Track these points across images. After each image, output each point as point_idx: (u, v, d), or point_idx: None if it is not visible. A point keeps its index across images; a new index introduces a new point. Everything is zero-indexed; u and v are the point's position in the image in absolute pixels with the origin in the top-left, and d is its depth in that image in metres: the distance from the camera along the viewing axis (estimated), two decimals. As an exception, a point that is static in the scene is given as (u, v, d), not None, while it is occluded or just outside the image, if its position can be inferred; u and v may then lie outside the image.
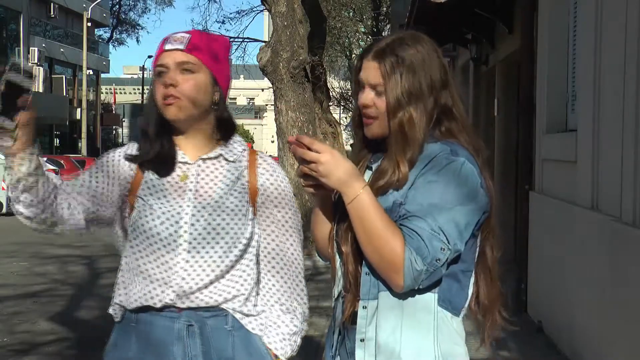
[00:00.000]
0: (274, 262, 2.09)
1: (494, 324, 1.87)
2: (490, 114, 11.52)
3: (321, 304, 7.31)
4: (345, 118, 46.42)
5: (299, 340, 2.10)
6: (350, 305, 1.82)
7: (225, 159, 2.07)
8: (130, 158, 2.06)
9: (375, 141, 1.87)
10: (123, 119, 55.33)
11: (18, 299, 7.80)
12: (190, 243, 1.97)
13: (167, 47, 2.00)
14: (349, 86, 39.42)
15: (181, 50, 1.99)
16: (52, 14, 36.97)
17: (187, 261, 1.97)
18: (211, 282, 1.98)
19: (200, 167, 2.05)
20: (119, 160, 2.08)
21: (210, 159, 2.06)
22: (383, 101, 1.80)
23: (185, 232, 1.98)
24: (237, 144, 2.11)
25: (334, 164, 1.74)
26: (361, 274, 1.80)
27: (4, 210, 18.88)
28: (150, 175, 2.04)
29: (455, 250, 1.72)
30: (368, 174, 1.88)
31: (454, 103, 1.84)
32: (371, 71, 1.82)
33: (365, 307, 1.79)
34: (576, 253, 5.20)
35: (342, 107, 42.56)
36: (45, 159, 24.99)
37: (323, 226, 1.94)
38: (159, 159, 2.03)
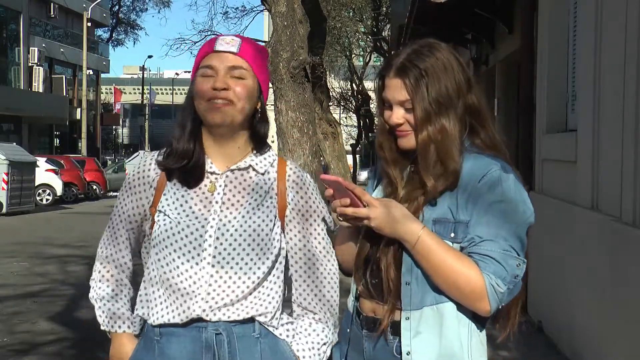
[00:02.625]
0: (310, 272, 2.03)
1: (513, 325, 1.90)
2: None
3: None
4: (346, 118, 46.42)
5: (328, 352, 2.02)
6: (388, 315, 1.83)
7: (255, 170, 2.00)
8: (161, 164, 1.99)
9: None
10: (124, 119, 55.33)
11: (18, 299, 7.81)
12: (214, 257, 1.90)
13: (218, 47, 1.94)
14: (349, 86, 39.44)
15: (233, 53, 1.93)
16: (52, 14, 36.98)
17: (211, 276, 1.90)
18: (238, 300, 1.91)
19: (228, 177, 1.98)
20: (144, 173, 2.02)
21: (239, 169, 1.99)
22: (414, 115, 1.82)
23: (209, 245, 1.91)
24: (267, 154, 2.04)
25: (387, 216, 1.76)
26: (402, 285, 1.81)
27: (4, 210, 18.88)
28: (176, 185, 1.98)
29: (524, 262, 1.77)
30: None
31: (479, 102, 1.86)
32: (396, 89, 1.83)
33: (408, 319, 1.80)
34: (576, 253, 5.20)
35: (342, 107, 42.57)
36: (45, 159, 24.79)
37: (350, 244, 1.97)
38: (187, 169, 1.96)
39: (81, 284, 8.88)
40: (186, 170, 1.96)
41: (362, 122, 40.78)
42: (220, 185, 1.96)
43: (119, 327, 2.04)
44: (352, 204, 1.80)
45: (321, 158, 15.03)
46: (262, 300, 1.95)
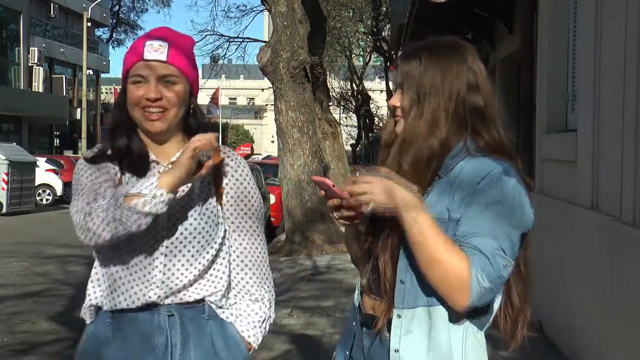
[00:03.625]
0: (242, 257, 2.13)
1: (521, 334, 1.90)
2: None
3: (321, 303, 7.32)
4: (346, 118, 46.42)
5: (268, 326, 2.18)
6: (385, 313, 1.83)
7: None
8: (92, 157, 2.04)
9: None
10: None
11: (18, 299, 7.81)
12: (167, 247, 2.00)
13: (147, 56, 1.99)
14: (349, 86, 39.46)
15: (163, 61, 1.98)
16: (52, 14, 36.98)
17: (164, 265, 2.00)
18: (190, 284, 2.02)
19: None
20: (105, 170, 2.06)
21: None
22: (404, 100, 1.85)
23: (162, 236, 2.00)
24: None
25: (388, 189, 1.74)
26: (396, 283, 1.80)
27: (4, 210, 18.88)
28: (129, 178, 2.05)
29: (512, 266, 1.75)
30: None
31: (485, 104, 1.84)
32: (397, 71, 1.87)
33: (400, 317, 1.80)
34: (576, 253, 5.20)
35: (342, 107, 42.58)
36: (45, 159, 24.75)
37: (356, 242, 1.98)
38: (134, 157, 2.03)
39: (81, 284, 8.85)
40: (133, 160, 2.03)
41: (362, 122, 40.78)
42: None
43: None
44: (343, 203, 1.82)
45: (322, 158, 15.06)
46: (211, 282, 2.06)
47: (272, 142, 56.43)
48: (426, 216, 1.73)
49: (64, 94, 37.41)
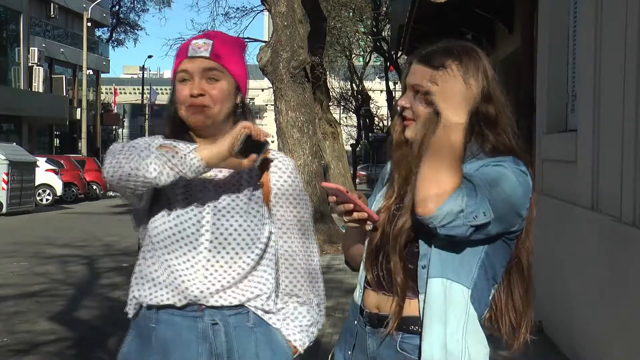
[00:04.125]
0: (291, 260, 2.12)
1: (524, 337, 1.90)
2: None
3: (321, 303, 7.32)
4: (346, 118, 46.41)
5: (316, 331, 2.15)
6: (396, 315, 1.83)
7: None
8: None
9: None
10: (123, 119, 55.35)
11: (18, 299, 7.80)
12: (211, 242, 1.99)
13: (191, 53, 2.01)
14: (349, 86, 39.45)
15: (206, 57, 2.00)
16: (52, 14, 36.96)
17: (208, 260, 1.99)
18: (235, 283, 2.00)
19: (218, 167, 2.02)
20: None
21: None
22: (418, 104, 1.85)
23: (207, 231, 1.99)
24: None
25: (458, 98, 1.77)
26: (418, 269, 1.81)
27: (4, 210, 18.88)
28: None
29: (488, 225, 1.72)
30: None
31: (497, 114, 1.85)
32: (414, 73, 1.88)
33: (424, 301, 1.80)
34: (576, 253, 5.20)
35: (342, 107, 42.58)
36: (45, 159, 24.77)
37: (357, 243, 2.00)
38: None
39: (81, 284, 8.88)
40: None
41: (362, 122, 40.76)
42: (211, 175, 2.03)
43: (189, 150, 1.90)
44: (355, 208, 1.85)
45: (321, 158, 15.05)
46: (257, 282, 2.04)
47: (272, 142, 56.32)
48: (459, 136, 1.74)
49: (64, 94, 37.40)
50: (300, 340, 2.10)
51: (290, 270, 2.12)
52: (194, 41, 2.04)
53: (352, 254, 2.05)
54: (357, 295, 1.97)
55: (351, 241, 2.04)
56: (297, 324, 2.11)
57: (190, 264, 1.99)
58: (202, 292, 1.98)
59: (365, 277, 1.94)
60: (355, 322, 1.95)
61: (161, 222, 2.02)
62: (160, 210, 2.02)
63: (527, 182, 1.80)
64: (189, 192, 2.02)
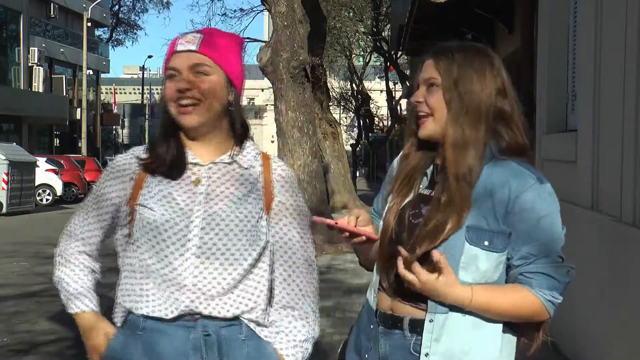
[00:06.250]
0: (288, 267, 2.04)
1: (537, 344, 1.96)
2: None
3: (321, 304, 7.30)
4: (346, 118, 46.42)
5: (310, 347, 2.05)
6: (411, 315, 1.84)
7: (239, 165, 1.99)
8: (142, 164, 1.98)
9: (427, 143, 1.89)
10: (123, 119, 55.33)
11: (18, 299, 7.81)
12: (199, 248, 1.90)
13: (179, 48, 1.92)
14: (349, 86, 39.44)
15: (194, 51, 1.91)
16: (52, 14, 36.96)
17: (196, 267, 1.90)
18: (225, 291, 1.92)
19: (212, 169, 1.97)
20: (125, 165, 2.01)
21: (223, 163, 1.98)
22: (433, 96, 1.84)
23: (194, 236, 1.90)
24: (250, 149, 2.02)
25: (432, 285, 1.77)
26: None
27: (4, 210, 18.88)
28: (158, 178, 1.96)
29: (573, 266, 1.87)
30: (425, 182, 1.91)
31: (512, 110, 1.87)
32: (427, 68, 1.88)
33: (432, 321, 1.79)
34: (576, 253, 5.19)
35: (342, 107, 42.57)
36: (45, 159, 24.74)
37: (369, 250, 1.98)
38: (169, 164, 1.96)
39: (81, 284, 8.88)
40: (167, 166, 1.96)
41: (362, 122, 40.75)
42: (204, 177, 1.96)
43: (76, 306, 2.10)
44: (351, 234, 1.88)
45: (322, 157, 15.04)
46: (250, 294, 1.95)
47: (272, 142, 56.45)
48: (477, 295, 1.77)
49: (64, 94, 37.40)
50: (293, 356, 1.99)
51: (289, 282, 2.04)
52: (182, 35, 1.96)
53: (369, 259, 2.02)
54: (372, 298, 1.95)
55: (363, 248, 2.00)
56: (291, 338, 2.01)
57: (178, 272, 1.90)
58: (192, 301, 1.90)
59: (379, 281, 1.93)
60: (372, 326, 1.92)
61: (144, 230, 1.94)
62: (144, 220, 1.95)
63: (555, 196, 1.89)
64: (171, 196, 1.94)
